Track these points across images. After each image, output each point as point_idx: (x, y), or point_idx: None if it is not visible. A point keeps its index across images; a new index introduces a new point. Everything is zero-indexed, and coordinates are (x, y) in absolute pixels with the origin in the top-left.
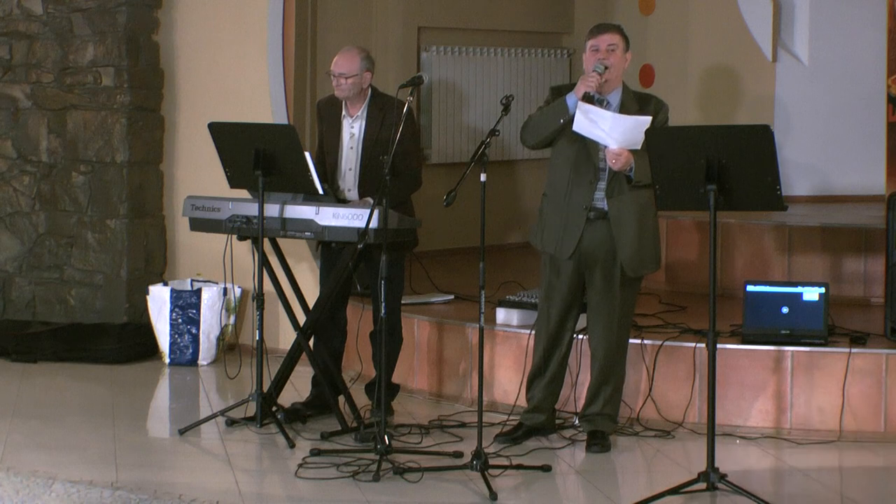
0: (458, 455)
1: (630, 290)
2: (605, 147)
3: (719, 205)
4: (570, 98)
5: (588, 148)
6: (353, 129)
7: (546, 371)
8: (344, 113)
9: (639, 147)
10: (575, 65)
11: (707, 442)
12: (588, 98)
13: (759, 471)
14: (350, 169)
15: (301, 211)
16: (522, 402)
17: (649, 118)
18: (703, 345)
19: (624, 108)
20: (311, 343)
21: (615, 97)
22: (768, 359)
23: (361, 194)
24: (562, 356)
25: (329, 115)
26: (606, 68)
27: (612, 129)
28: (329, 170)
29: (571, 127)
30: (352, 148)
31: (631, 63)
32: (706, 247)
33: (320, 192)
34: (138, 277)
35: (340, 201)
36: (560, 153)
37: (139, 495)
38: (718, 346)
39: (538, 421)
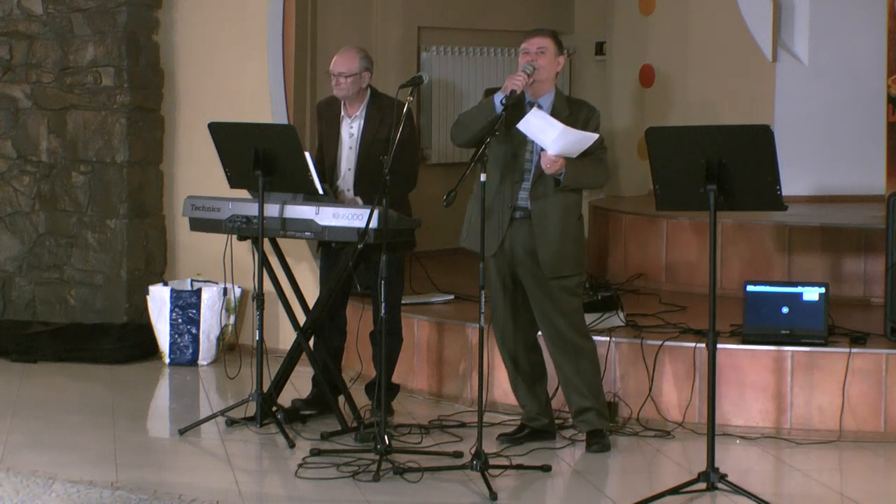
0: (458, 455)
1: (564, 288)
2: (541, 150)
3: (719, 205)
4: (498, 96)
5: (515, 148)
6: (351, 129)
7: (519, 377)
8: (343, 113)
9: (573, 157)
10: (575, 65)
11: (707, 442)
12: (515, 97)
13: (759, 471)
14: (349, 169)
15: (301, 211)
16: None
17: (596, 135)
18: (703, 345)
19: (555, 112)
20: (311, 343)
21: (547, 100)
22: (768, 359)
23: (358, 194)
24: (528, 357)
25: (328, 115)
26: (535, 69)
27: (557, 138)
28: (328, 170)
29: (497, 126)
30: (350, 148)
31: (631, 63)
32: (706, 247)
33: (320, 192)
34: (138, 277)
35: (340, 201)
36: (490, 152)
37: (139, 495)
38: (718, 346)
39: (542, 424)
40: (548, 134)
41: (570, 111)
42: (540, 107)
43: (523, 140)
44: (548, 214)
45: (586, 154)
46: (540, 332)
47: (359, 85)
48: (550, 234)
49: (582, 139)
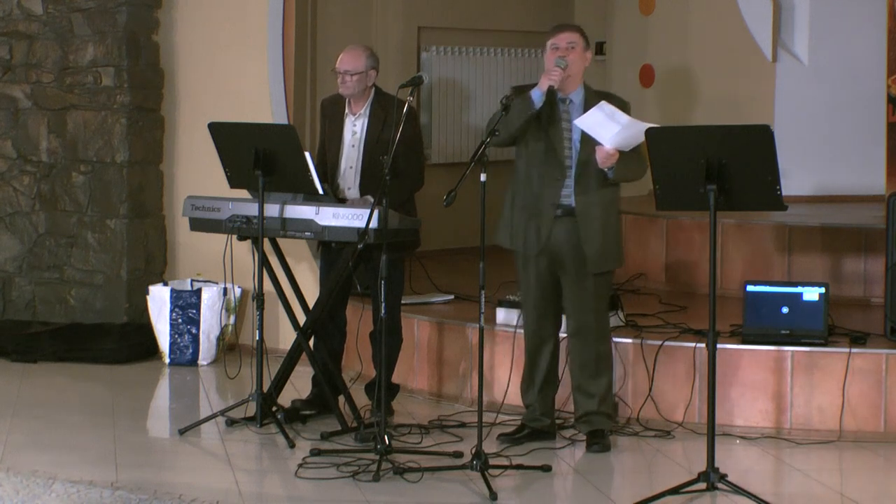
0: (458, 455)
1: (603, 283)
2: (598, 144)
3: (719, 205)
4: (535, 93)
5: (555, 145)
6: (355, 128)
7: (535, 376)
8: (347, 111)
9: (627, 150)
10: None
11: (707, 442)
12: (552, 94)
13: (759, 471)
14: (350, 167)
15: (301, 211)
16: (520, 401)
17: (649, 125)
18: (703, 345)
19: (587, 106)
20: (311, 343)
21: (577, 95)
22: (768, 359)
23: (362, 193)
24: (548, 358)
25: (332, 112)
26: (567, 64)
27: (620, 131)
28: (330, 167)
29: (538, 123)
30: (353, 146)
31: (631, 63)
32: (706, 247)
33: (320, 192)
34: (138, 277)
35: (340, 200)
36: (525, 151)
37: (139, 495)
38: (718, 346)
39: (543, 424)
40: (609, 128)
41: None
42: (570, 102)
43: (560, 136)
44: (592, 210)
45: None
46: (564, 333)
47: (365, 83)
48: (595, 230)
49: (640, 131)
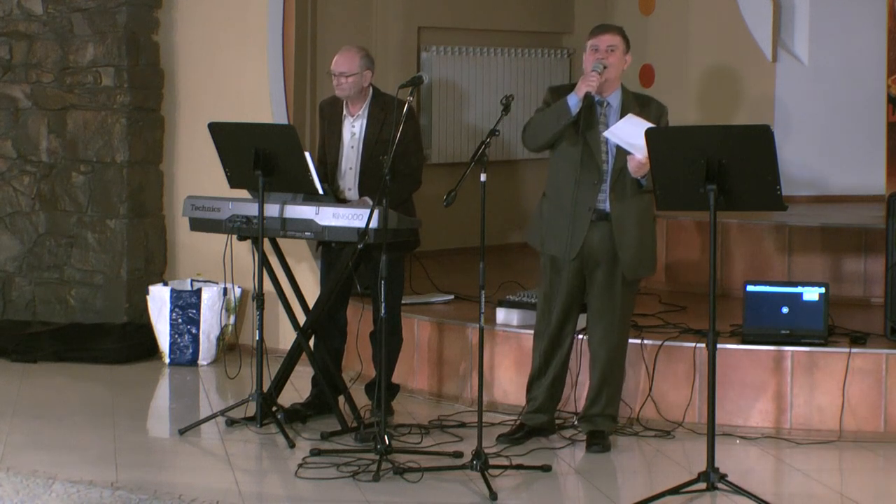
0: (458, 455)
1: (629, 291)
2: (630, 154)
3: (719, 205)
4: (572, 98)
5: (591, 149)
6: (353, 129)
7: (547, 372)
8: (345, 112)
9: None
10: (575, 65)
11: (707, 442)
12: (589, 98)
13: (759, 471)
14: (350, 168)
15: (301, 211)
16: (520, 401)
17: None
18: (703, 345)
19: (625, 110)
20: (311, 343)
21: (615, 98)
22: (768, 359)
23: (361, 194)
24: (563, 357)
25: (331, 114)
26: (605, 67)
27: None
28: (329, 169)
29: (575, 128)
30: (352, 147)
31: (631, 63)
32: (706, 247)
33: (320, 192)
34: (138, 277)
35: (340, 201)
36: (562, 155)
37: (139, 495)
38: (718, 346)
39: (540, 422)
40: (640, 138)
41: (641, 108)
42: (607, 105)
43: (597, 140)
44: (627, 216)
45: None
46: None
47: (360, 84)
48: (631, 237)
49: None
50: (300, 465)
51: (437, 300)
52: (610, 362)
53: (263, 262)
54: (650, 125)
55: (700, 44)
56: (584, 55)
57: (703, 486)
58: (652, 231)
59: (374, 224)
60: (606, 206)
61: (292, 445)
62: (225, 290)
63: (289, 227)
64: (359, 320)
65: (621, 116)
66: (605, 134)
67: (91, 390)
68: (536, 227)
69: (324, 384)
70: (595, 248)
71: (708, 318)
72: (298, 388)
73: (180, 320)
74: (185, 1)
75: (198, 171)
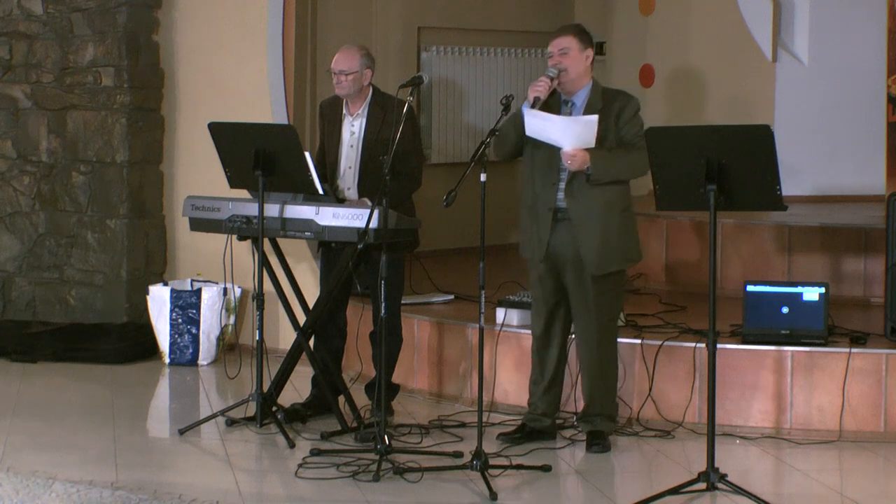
0: (458, 455)
1: (606, 288)
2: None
3: (719, 205)
4: (524, 106)
5: (551, 150)
6: (353, 128)
7: (543, 375)
8: (345, 111)
9: (592, 145)
10: None
11: (707, 442)
12: (555, 96)
13: (759, 471)
14: (349, 167)
15: (301, 211)
16: (520, 401)
17: (595, 117)
18: (703, 345)
19: (589, 107)
20: (311, 343)
21: (580, 97)
22: (768, 359)
23: (360, 193)
24: (555, 359)
25: (331, 114)
26: (560, 72)
27: (562, 132)
28: (329, 169)
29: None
30: (352, 146)
31: (631, 63)
32: (706, 247)
33: (320, 192)
34: (138, 277)
35: (340, 201)
36: (528, 159)
37: (139, 495)
38: (718, 346)
39: (542, 425)
40: (552, 131)
41: (604, 103)
42: (571, 104)
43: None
44: (587, 212)
45: (624, 144)
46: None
47: (360, 83)
48: (591, 232)
49: (587, 124)
50: (300, 465)
51: (437, 300)
52: (594, 362)
53: (263, 262)
54: (554, 118)
55: (700, 44)
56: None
57: (703, 486)
58: (621, 224)
59: (373, 224)
60: (565, 205)
61: (292, 445)
62: (225, 290)
63: (289, 227)
64: (359, 320)
65: (584, 114)
66: (527, 133)
67: (91, 390)
68: (521, 231)
69: (324, 384)
70: (561, 248)
71: (708, 318)
72: (298, 388)
73: (180, 320)
74: (185, 1)
75: (198, 171)
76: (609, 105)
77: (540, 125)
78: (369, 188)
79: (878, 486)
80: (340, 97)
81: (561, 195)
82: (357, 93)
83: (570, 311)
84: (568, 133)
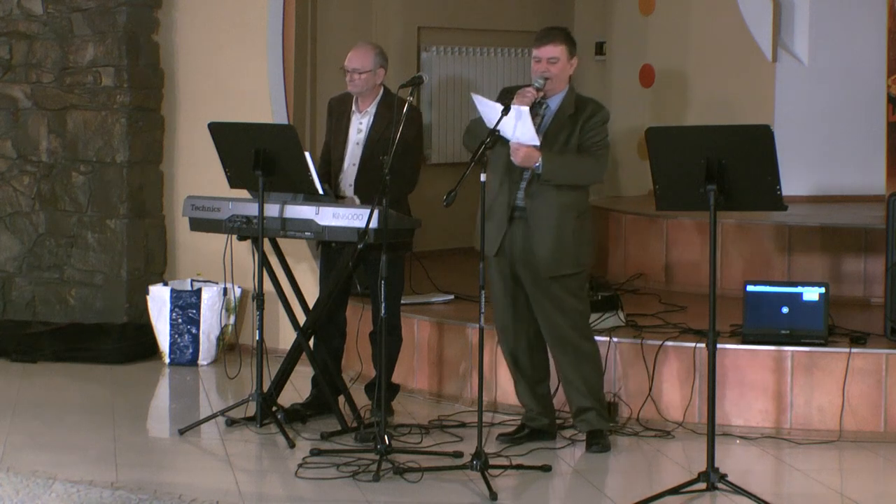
0: (458, 455)
1: (564, 287)
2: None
3: (719, 205)
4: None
5: None
6: (360, 125)
7: (520, 376)
8: (354, 108)
9: (533, 136)
10: None
11: (707, 442)
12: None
13: (759, 471)
14: (353, 164)
15: (301, 211)
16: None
17: (524, 108)
18: (703, 345)
19: (561, 111)
20: (311, 343)
21: (555, 101)
22: (768, 359)
23: (356, 190)
24: (528, 357)
25: (339, 111)
26: (547, 80)
27: (507, 121)
28: (334, 165)
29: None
30: (357, 143)
31: (631, 63)
32: (706, 247)
33: (320, 192)
34: (138, 277)
35: (341, 198)
36: (496, 156)
37: (139, 495)
38: (718, 346)
39: (541, 424)
40: (494, 118)
41: (576, 108)
42: (546, 107)
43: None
44: (543, 213)
45: (583, 149)
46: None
47: (373, 81)
48: (546, 233)
49: (517, 112)
50: (300, 465)
51: (437, 300)
52: (564, 363)
53: (263, 262)
54: (496, 105)
55: (700, 44)
56: (532, 64)
57: (702, 486)
58: (576, 226)
59: (373, 224)
60: (523, 204)
61: (292, 445)
62: (225, 290)
63: (289, 227)
64: (359, 320)
65: (555, 118)
66: (474, 99)
67: (91, 390)
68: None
69: (324, 384)
70: (516, 245)
71: (708, 318)
72: (298, 388)
73: (180, 320)
74: (185, 1)
75: (198, 171)
76: (580, 111)
77: (489, 113)
78: (364, 185)
79: (878, 486)
80: (351, 94)
81: (521, 194)
82: (369, 91)
83: (532, 309)
84: (507, 122)
